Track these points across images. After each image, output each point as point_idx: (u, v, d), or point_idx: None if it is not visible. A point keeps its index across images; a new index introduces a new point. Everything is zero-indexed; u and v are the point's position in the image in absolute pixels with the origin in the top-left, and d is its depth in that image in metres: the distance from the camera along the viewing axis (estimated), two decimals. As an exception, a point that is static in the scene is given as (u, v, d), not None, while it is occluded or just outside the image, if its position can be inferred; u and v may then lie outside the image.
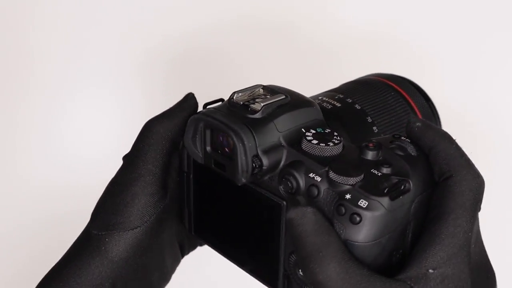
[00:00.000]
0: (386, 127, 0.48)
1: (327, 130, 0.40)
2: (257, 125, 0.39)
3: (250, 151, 0.39)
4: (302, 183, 0.38)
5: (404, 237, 0.38)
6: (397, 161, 0.38)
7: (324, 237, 0.36)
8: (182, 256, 0.49)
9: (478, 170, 0.39)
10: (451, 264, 0.36)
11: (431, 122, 0.43)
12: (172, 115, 0.45)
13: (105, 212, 0.44)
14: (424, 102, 0.51)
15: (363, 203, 0.36)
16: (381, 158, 0.38)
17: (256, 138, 0.39)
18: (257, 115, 0.40)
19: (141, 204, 0.43)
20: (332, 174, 0.37)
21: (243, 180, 0.39)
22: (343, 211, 0.36)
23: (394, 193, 0.36)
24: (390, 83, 0.51)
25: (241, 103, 0.40)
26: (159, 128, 0.44)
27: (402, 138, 0.40)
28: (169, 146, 0.44)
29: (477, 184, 0.38)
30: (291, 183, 0.39)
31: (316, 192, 0.38)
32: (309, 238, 0.36)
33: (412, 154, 0.39)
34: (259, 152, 0.39)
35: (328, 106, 0.47)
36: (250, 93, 0.42)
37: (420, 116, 0.51)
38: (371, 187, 0.36)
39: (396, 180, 0.37)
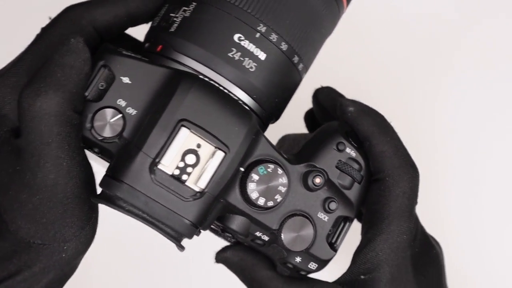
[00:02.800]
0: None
1: (270, 169, 0.35)
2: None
3: None
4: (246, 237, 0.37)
5: None
6: (341, 198, 0.37)
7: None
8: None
9: (413, 167, 0.38)
10: (385, 267, 0.36)
11: (361, 103, 0.39)
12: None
13: (41, 219, 0.34)
14: None
15: (313, 265, 0.38)
16: (326, 196, 0.37)
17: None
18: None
19: (78, 207, 0.34)
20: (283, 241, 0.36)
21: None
22: (290, 267, 0.38)
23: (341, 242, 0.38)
24: None
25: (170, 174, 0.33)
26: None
27: (348, 151, 0.37)
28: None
29: (412, 185, 0.37)
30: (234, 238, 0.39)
31: (262, 244, 0.38)
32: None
33: (357, 178, 0.38)
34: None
35: None
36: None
37: None
38: (322, 249, 0.37)
39: (340, 228, 0.38)
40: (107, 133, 0.33)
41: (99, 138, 0.34)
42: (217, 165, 0.33)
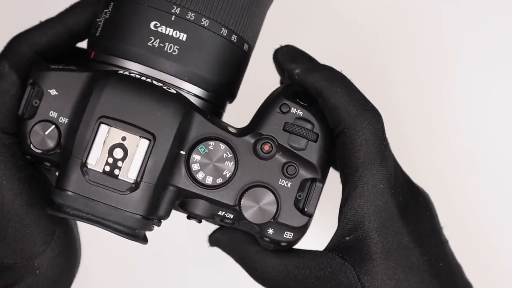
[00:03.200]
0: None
1: (211, 146, 0.35)
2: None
3: None
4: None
5: None
6: (299, 161, 0.36)
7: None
8: None
9: (372, 110, 0.35)
10: (367, 223, 0.34)
11: (310, 62, 0.38)
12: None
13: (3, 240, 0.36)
14: None
15: (288, 235, 0.36)
16: (283, 162, 0.35)
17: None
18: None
19: (36, 221, 0.36)
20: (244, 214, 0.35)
21: None
22: (268, 241, 0.37)
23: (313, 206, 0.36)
24: None
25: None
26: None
27: (295, 111, 0.36)
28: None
29: (374, 130, 0.35)
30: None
31: (231, 222, 0.37)
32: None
33: (311, 137, 0.36)
34: None
35: None
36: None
37: None
38: (292, 216, 0.36)
39: (307, 191, 0.36)
40: (45, 145, 0.35)
41: (40, 152, 0.35)
42: (144, 153, 0.33)
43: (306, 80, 0.36)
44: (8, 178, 0.34)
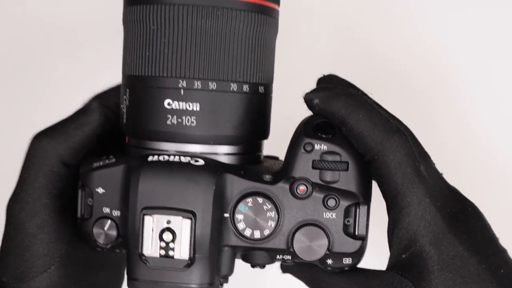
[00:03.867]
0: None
1: (249, 203, 0.37)
2: None
3: None
4: None
5: None
6: (337, 192, 0.37)
7: None
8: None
9: (398, 132, 0.35)
10: (419, 239, 0.35)
11: (328, 88, 0.37)
12: (65, 132, 0.39)
13: (7, 257, 0.38)
14: None
15: (347, 260, 0.38)
16: (322, 197, 0.37)
17: None
18: None
19: (43, 244, 0.38)
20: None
21: None
22: (330, 269, 0.39)
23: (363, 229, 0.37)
24: None
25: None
26: (46, 148, 0.38)
27: (319, 147, 0.37)
28: (61, 170, 0.39)
29: (405, 151, 0.35)
30: None
31: (291, 262, 0.39)
32: None
33: (341, 167, 0.37)
34: None
35: None
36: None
37: None
38: (344, 243, 0.37)
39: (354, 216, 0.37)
40: (108, 239, 0.38)
41: (106, 245, 0.38)
42: (189, 232, 0.36)
43: (326, 110, 0.36)
44: (44, 206, 0.37)
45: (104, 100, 0.40)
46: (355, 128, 0.35)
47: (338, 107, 0.36)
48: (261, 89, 0.39)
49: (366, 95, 0.38)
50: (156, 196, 0.36)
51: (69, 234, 0.39)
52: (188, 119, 0.37)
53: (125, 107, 0.39)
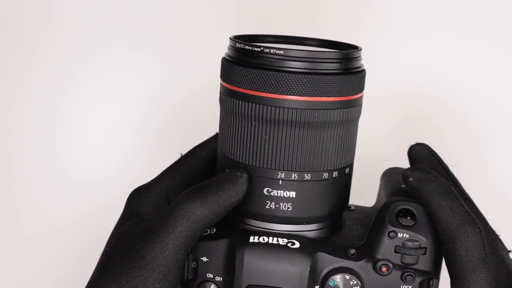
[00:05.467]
0: None
1: (338, 278, 0.42)
2: None
3: None
4: None
5: None
6: (415, 270, 0.42)
7: None
8: None
9: (472, 224, 0.40)
10: None
11: (424, 171, 0.43)
12: (216, 202, 0.41)
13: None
14: None
15: None
16: (401, 273, 0.42)
17: None
18: None
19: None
20: None
21: None
22: None
23: None
24: None
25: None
26: (196, 212, 0.40)
27: (401, 235, 0.41)
28: (201, 233, 0.41)
29: (473, 242, 0.39)
30: None
31: None
32: None
33: (420, 252, 0.42)
34: None
35: None
36: None
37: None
38: None
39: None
40: None
41: None
42: None
43: (417, 190, 0.42)
44: (172, 255, 0.40)
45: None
46: (436, 212, 0.41)
47: (427, 191, 0.42)
48: (347, 170, 0.44)
49: (453, 179, 0.44)
50: (259, 276, 0.42)
51: None
52: (285, 205, 0.42)
53: None
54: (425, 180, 0.42)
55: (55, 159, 0.79)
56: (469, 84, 0.72)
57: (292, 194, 0.42)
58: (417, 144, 0.48)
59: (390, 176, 0.49)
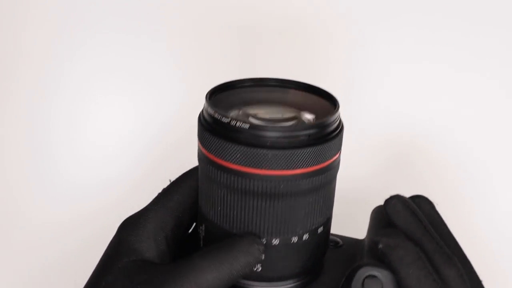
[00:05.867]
0: None
1: None
2: None
3: None
4: None
5: None
6: None
7: None
8: None
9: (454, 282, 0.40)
10: None
11: (394, 235, 0.43)
12: (230, 269, 0.40)
13: None
14: None
15: None
16: None
17: None
18: None
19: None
20: None
21: None
22: None
23: None
24: None
25: None
26: (209, 280, 0.40)
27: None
28: None
29: None
30: None
31: None
32: None
33: None
34: None
35: None
36: None
37: None
38: None
39: None
40: None
41: None
42: None
43: (386, 256, 0.42)
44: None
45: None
46: (404, 280, 0.41)
47: (396, 258, 0.41)
48: (320, 229, 0.44)
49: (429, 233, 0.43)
50: None
51: None
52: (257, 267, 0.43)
53: (202, 235, 0.45)
54: (393, 247, 0.42)
55: (53, 161, 0.80)
56: (450, 128, 0.74)
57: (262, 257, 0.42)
58: (391, 198, 0.46)
59: (376, 217, 0.49)
